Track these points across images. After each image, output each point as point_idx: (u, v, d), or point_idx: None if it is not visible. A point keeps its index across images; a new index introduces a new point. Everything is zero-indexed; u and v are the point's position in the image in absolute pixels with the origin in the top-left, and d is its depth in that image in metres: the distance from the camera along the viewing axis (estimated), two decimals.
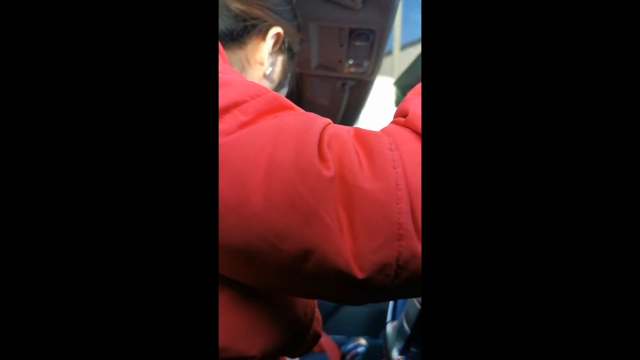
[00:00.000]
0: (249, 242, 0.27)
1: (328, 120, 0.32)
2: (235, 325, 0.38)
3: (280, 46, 0.55)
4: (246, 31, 0.50)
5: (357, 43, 0.78)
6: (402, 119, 0.32)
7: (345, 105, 1.07)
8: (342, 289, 0.28)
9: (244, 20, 0.50)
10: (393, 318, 0.63)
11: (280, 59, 0.57)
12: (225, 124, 0.28)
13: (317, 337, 0.59)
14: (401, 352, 0.53)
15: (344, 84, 0.96)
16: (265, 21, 0.52)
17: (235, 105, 0.29)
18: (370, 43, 0.78)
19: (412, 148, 0.28)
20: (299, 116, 0.31)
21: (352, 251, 0.26)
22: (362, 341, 0.94)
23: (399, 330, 0.57)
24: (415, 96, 0.33)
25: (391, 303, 0.66)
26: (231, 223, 0.27)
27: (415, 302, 0.53)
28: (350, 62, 0.86)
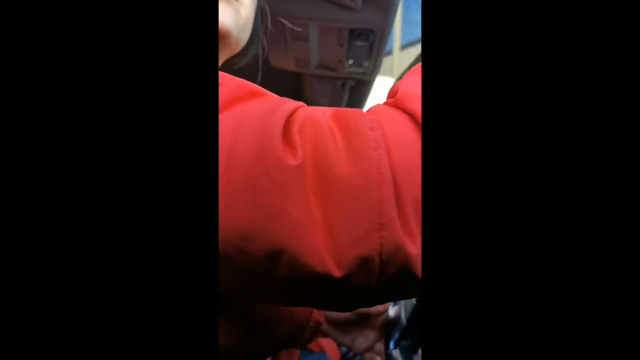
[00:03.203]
0: None
1: (299, 103, 0.28)
2: (231, 332, 0.37)
3: None
4: None
5: (357, 43, 0.78)
6: (391, 100, 0.29)
7: (345, 105, 1.07)
8: (321, 292, 0.24)
9: None
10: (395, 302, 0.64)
11: None
12: None
13: (319, 324, 0.58)
14: (396, 343, 0.54)
15: (344, 84, 0.96)
16: None
17: None
18: (370, 43, 0.78)
19: (397, 128, 0.25)
20: (263, 101, 0.26)
21: (327, 246, 0.23)
22: None
23: (397, 319, 0.58)
24: (409, 76, 0.30)
25: None
26: None
27: None
28: (350, 62, 0.86)
